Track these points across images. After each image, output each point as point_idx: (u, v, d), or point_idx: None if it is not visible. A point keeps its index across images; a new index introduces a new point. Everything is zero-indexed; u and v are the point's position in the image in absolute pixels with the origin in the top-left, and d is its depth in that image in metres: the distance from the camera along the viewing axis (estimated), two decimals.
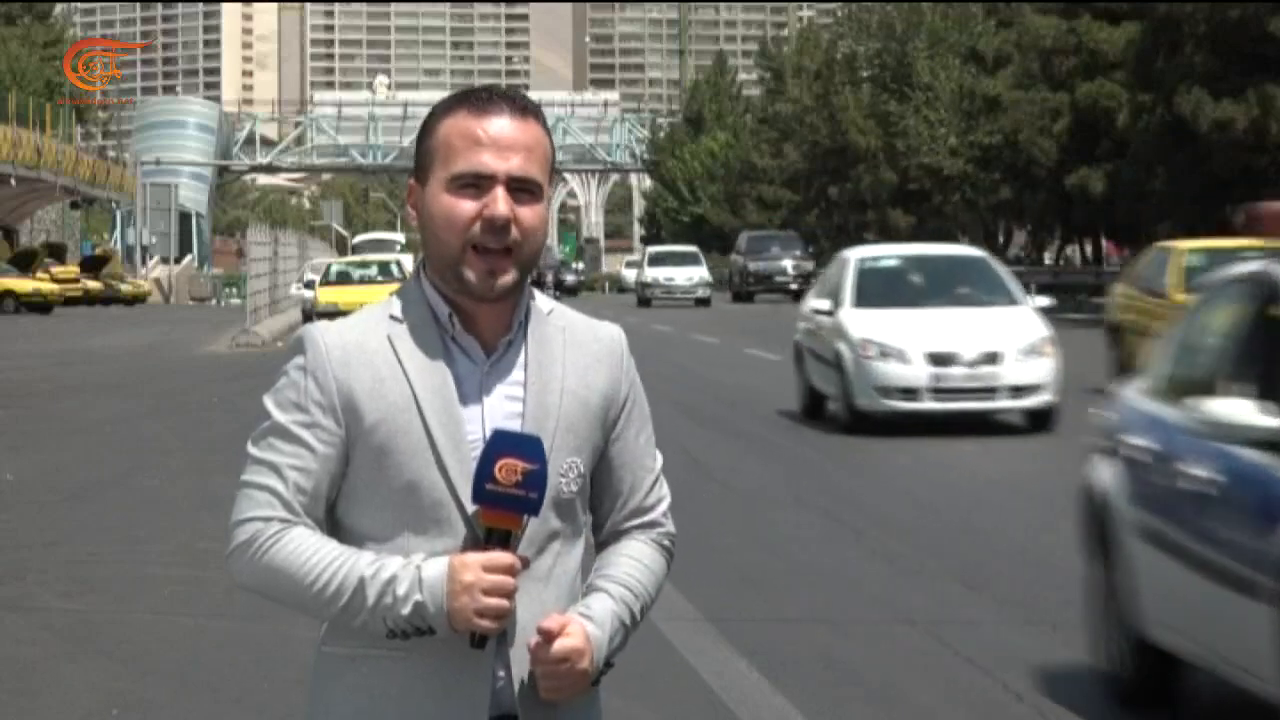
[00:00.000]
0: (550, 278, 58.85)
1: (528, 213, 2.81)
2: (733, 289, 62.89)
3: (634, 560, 2.92)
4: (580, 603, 2.85)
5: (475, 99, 2.85)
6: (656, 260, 60.38)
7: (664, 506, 2.98)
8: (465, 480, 2.77)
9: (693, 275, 58.32)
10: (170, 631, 8.96)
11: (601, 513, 2.96)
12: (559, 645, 2.74)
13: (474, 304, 2.84)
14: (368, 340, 2.84)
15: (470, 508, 2.78)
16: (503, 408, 2.83)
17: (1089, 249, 60.73)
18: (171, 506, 13.19)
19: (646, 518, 2.96)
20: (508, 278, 2.81)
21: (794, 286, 57.96)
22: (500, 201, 2.79)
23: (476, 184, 2.80)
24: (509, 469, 2.72)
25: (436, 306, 2.85)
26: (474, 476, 2.74)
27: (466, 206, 2.80)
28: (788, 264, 60.49)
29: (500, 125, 2.81)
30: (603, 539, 2.97)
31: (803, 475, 14.70)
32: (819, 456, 15.99)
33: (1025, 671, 7.85)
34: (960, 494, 13.46)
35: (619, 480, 2.94)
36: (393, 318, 2.85)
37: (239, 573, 2.84)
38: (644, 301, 57.61)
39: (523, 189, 2.81)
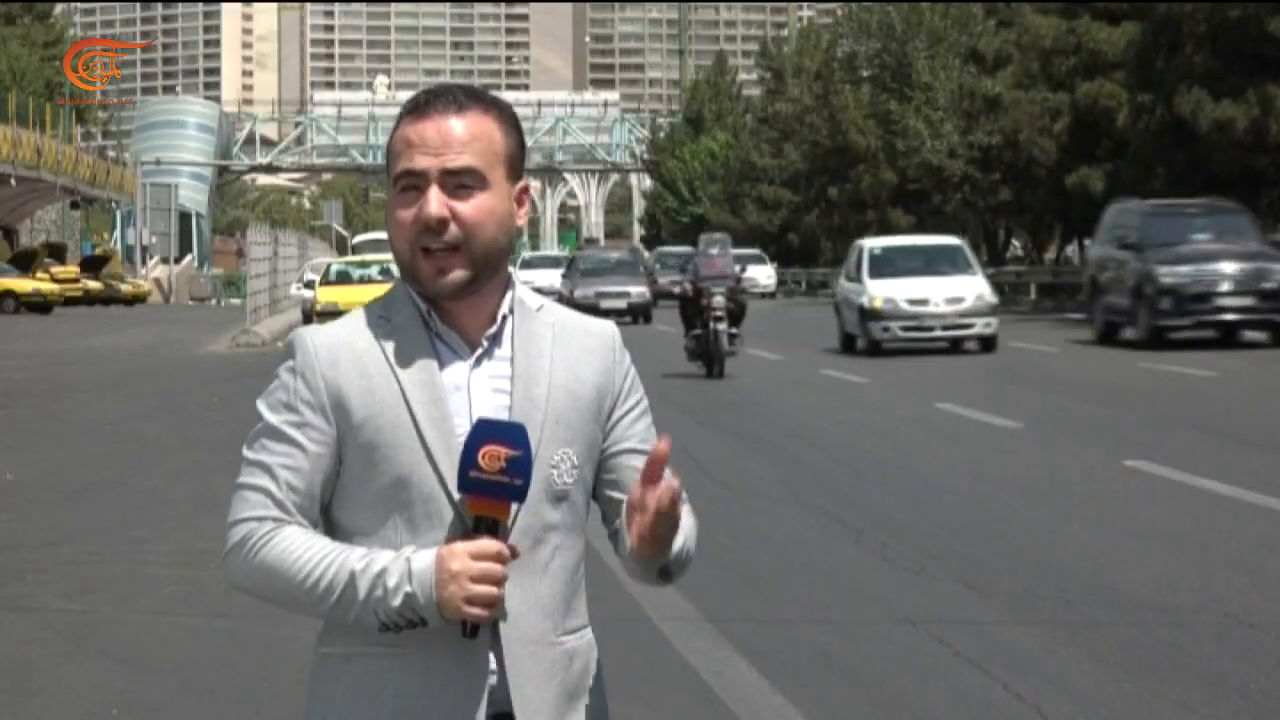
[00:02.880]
0: (719, 298, 25.53)
1: (467, 207, 2.82)
2: (1103, 320, 30.78)
3: None
4: None
5: (415, 103, 2.88)
6: (885, 264, 30.78)
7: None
8: (455, 473, 2.78)
9: (961, 291, 29.79)
10: (170, 631, 8.96)
11: (611, 501, 2.96)
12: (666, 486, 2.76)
13: (447, 299, 2.86)
14: (356, 340, 2.86)
15: (457, 497, 2.79)
16: (490, 401, 2.84)
17: (1089, 249, 60.77)
18: (171, 506, 13.19)
19: None
20: (458, 274, 2.82)
21: (1231, 318, 28.42)
22: (431, 201, 2.81)
23: (416, 185, 2.82)
24: (492, 456, 2.73)
25: (418, 303, 2.88)
26: (458, 465, 2.76)
27: (405, 211, 2.83)
28: (1229, 271, 28.57)
29: (433, 126, 2.83)
30: (616, 527, 2.95)
31: (803, 475, 14.69)
32: (819, 456, 15.99)
33: (1025, 671, 7.85)
34: (960, 494, 13.45)
35: (625, 468, 2.94)
36: (380, 317, 2.88)
37: (234, 573, 2.85)
38: (866, 345, 29.91)
39: (460, 184, 2.82)
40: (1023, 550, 10.97)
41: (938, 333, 29.79)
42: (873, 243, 32.94)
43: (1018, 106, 49.84)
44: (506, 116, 2.89)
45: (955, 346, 30.08)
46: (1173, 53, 40.65)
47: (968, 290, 30.00)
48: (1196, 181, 40.80)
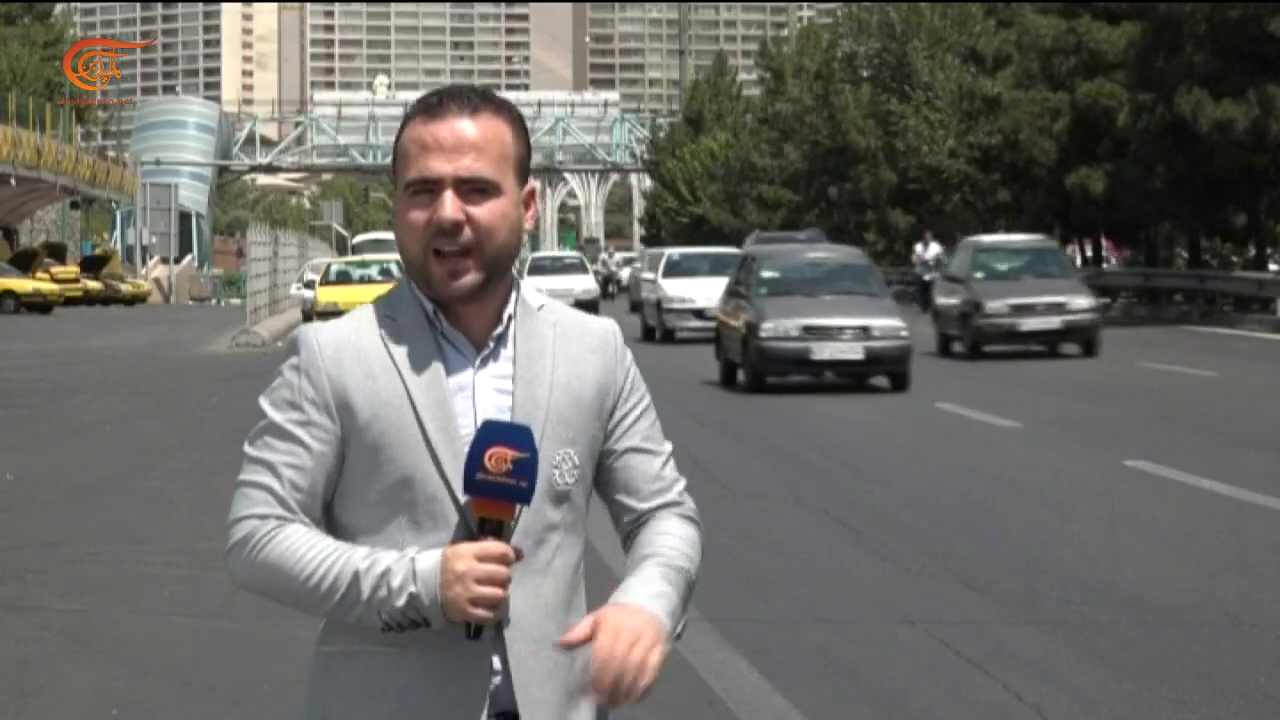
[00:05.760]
0: None
1: (482, 211, 2.82)
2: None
3: (669, 535, 2.93)
4: (637, 578, 2.86)
5: (427, 104, 2.88)
6: None
7: (680, 486, 3.00)
8: (459, 474, 2.79)
9: None
10: (170, 631, 8.96)
11: (619, 504, 2.97)
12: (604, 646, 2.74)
13: (457, 303, 2.86)
14: (360, 338, 2.86)
15: (463, 499, 2.79)
16: (493, 401, 2.85)
17: (1089, 249, 60.76)
18: (171, 506, 13.19)
19: (666, 498, 2.97)
20: (470, 278, 2.82)
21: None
22: (447, 205, 2.81)
23: (428, 189, 2.82)
24: (498, 458, 2.73)
25: (425, 304, 2.88)
26: (464, 466, 2.76)
27: (419, 214, 2.83)
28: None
29: (447, 128, 2.83)
30: (627, 529, 2.98)
31: (803, 475, 14.69)
32: (819, 456, 15.99)
33: (1025, 671, 7.85)
34: (960, 494, 13.45)
35: (629, 467, 2.95)
36: (385, 316, 2.89)
37: (237, 571, 2.85)
38: None
39: (475, 188, 2.82)
40: (1023, 550, 10.97)
41: None
42: None
43: (1018, 106, 49.82)
44: (516, 119, 2.89)
45: None
46: (1173, 53, 40.64)
47: None
48: (1196, 181, 40.81)
